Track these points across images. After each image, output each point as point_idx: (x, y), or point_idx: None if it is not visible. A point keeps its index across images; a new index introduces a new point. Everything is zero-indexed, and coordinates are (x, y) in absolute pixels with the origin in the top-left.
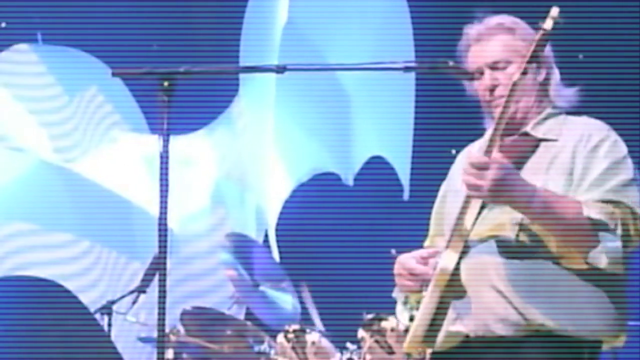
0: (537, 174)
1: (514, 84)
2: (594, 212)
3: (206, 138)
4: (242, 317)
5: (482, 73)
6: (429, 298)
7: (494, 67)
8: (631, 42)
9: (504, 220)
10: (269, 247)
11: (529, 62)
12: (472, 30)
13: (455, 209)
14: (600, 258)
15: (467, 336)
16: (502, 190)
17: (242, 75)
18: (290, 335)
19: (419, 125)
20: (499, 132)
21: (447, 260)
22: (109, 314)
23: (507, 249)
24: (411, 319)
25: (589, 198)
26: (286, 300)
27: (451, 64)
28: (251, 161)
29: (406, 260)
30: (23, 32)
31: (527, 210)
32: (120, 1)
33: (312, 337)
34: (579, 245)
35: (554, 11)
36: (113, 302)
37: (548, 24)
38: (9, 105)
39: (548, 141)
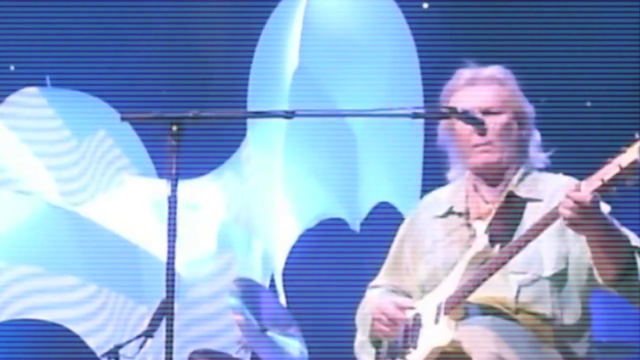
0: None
1: None
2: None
3: (214, 182)
4: None
5: None
6: None
7: (486, 111)
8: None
9: (501, 284)
10: (276, 292)
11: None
12: (465, 73)
13: (428, 259)
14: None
15: None
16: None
17: (250, 120)
18: None
19: (427, 171)
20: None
21: (447, 328)
22: (116, 359)
23: (507, 316)
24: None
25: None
26: (293, 346)
27: (459, 110)
28: (258, 206)
29: (386, 306)
30: (32, 76)
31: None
32: (129, 46)
33: None
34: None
35: None
36: (120, 347)
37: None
38: (16, 148)
39: (533, 201)
